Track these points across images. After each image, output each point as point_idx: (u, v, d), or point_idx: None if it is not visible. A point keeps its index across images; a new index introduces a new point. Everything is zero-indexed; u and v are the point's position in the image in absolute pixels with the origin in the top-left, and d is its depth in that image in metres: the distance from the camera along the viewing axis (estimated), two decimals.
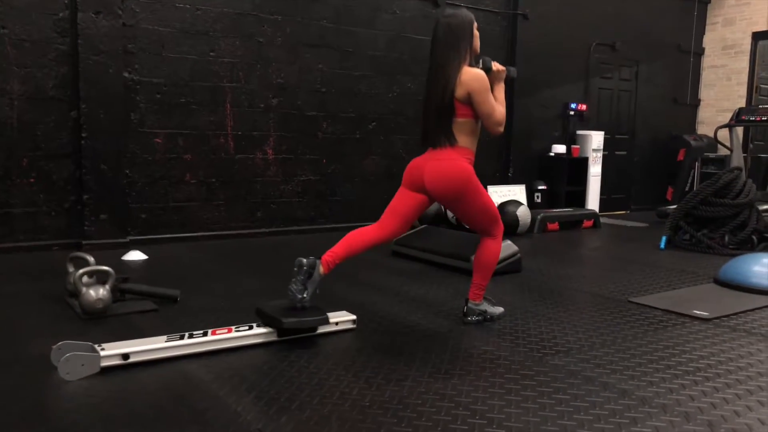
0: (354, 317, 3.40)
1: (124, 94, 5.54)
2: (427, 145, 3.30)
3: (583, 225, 7.61)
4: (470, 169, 3.23)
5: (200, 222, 6.07)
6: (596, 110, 8.96)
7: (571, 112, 8.55)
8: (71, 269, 3.75)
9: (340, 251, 3.22)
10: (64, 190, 5.39)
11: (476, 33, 3.28)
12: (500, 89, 3.34)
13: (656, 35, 9.41)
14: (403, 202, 3.34)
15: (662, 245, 6.18)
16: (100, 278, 3.58)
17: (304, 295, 3.10)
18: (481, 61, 3.32)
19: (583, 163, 8.50)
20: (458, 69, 3.16)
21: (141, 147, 5.70)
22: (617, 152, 9.27)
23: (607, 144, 8.93)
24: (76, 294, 3.46)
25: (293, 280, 3.13)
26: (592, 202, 8.57)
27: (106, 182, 5.47)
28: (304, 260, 3.12)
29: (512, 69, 3.48)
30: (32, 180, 5.26)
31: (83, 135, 5.34)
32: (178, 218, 5.95)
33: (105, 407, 2.35)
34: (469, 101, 3.17)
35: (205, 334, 2.95)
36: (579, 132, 8.63)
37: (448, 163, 3.20)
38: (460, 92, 3.16)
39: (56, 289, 3.90)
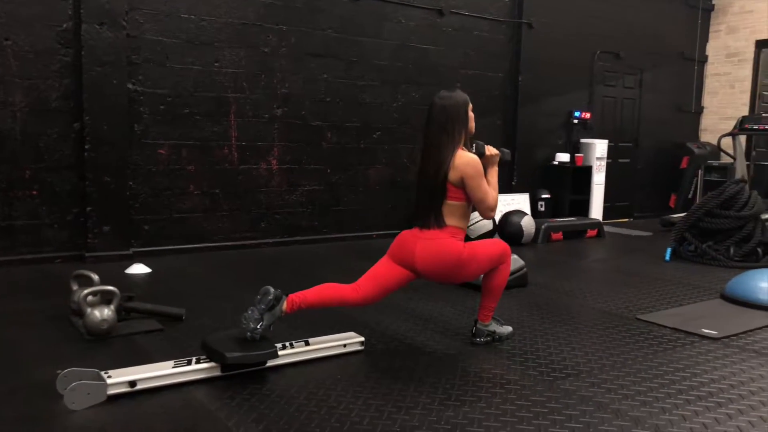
0: (362, 339, 3.37)
1: (128, 105, 5.50)
2: (417, 224, 3.24)
3: (587, 234, 7.58)
4: (459, 244, 3.19)
5: (204, 233, 6.04)
6: (600, 118, 8.92)
7: (575, 121, 8.52)
8: (75, 287, 3.72)
9: (309, 297, 3.12)
10: (67, 202, 5.35)
11: (471, 114, 3.27)
12: (493, 173, 3.34)
13: (660, 43, 9.38)
14: (387, 273, 3.25)
15: (667, 257, 6.15)
16: (104, 298, 3.54)
17: (258, 327, 2.93)
18: (474, 145, 3.34)
19: (586, 172, 8.46)
20: (452, 152, 3.14)
21: (144, 158, 5.67)
22: (620, 160, 9.24)
23: (611, 152, 8.89)
24: (80, 314, 3.43)
25: (252, 307, 2.98)
26: (596, 210, 8.53)
27: (109, 194, 5.43)
28: (272, 290, 3.01)
29: (506, 152, 3.49)
30: (35, 192, 5.23)
31: (86, 147, 5.31)
32: (182, 230, 5.91)
33: None
34: (462, 185, 3.15)
35: None
36: (583, 140, 8.59)
37: (438, 242, 3.16)
38: (453, 176, 3.12)
39: (59, 307, 3.86)
